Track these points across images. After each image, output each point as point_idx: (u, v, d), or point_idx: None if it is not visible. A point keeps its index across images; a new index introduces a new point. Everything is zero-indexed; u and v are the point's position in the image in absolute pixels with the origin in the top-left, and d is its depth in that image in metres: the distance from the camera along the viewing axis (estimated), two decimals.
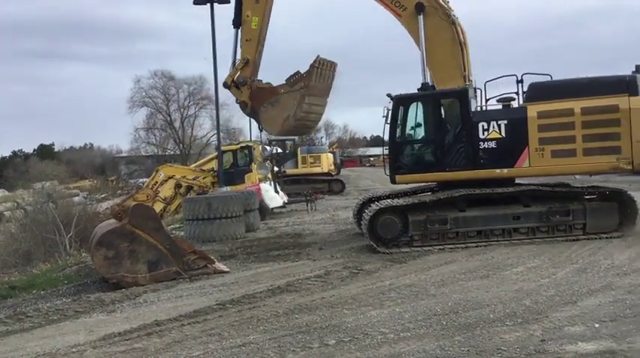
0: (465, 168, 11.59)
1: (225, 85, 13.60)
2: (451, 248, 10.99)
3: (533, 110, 11.25)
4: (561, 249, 10.29)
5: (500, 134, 11.40)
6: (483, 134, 11.47)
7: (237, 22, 13.48)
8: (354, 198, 25.41)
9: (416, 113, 12.30)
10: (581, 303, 6.88)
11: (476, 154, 11.52)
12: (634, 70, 11.27)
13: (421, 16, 12.22)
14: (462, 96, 11.75)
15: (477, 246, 10.96)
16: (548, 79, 11.60)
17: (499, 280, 8.35)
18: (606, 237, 11.02)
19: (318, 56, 12.82)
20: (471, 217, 11.28)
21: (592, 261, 9.21)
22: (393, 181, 12.18)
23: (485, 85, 12.19)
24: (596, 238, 10.99)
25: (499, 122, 11.43)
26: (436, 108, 12.12)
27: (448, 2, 12.49)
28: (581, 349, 5.38)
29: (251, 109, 13.39)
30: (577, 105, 11.04)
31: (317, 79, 12.83)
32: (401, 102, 12.05)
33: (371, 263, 10.17)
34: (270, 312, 7.30)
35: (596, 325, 6.02)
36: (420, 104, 12.27)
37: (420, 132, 12.45)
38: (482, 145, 11.49)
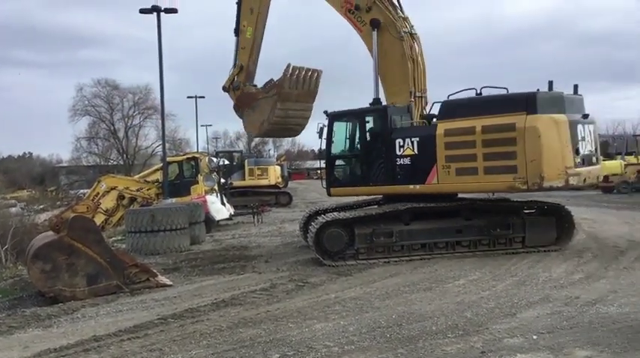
0: (385, 183, 12.00)
1: (224, 89, 14.93)
2: (396, 261, 11.09)
3: (441, 128, 11.41)
4: (502, 262, 10.54)
5: (413, 151, 11.69)
6: (399, 151, 11.81)
7: (236, 31, 14.67)
8: (302, 211, 25.39)
9: (346, 129, 12.87)
10: (520, 315, 7.05)
11: (393, 170, 11.88)
12: (568, 88, 11.54)
13: (375, 32, 12.48)
14: (381, 113, 12.27)
15: (421, 259, 11.11)
16: (504, 91, 11.62)
17: (442, 292, 8.48)
18: (544, 251, 11.35)
19: (289, 64, 13.72)
20: (416, 230, 11.43)
21: (531, 274, 9.47)
22: (329, 194, 12.79)
23: (448, 98, 12.07)
24: (534, 251, 11.31)
25: (413, 139, 11.73)
26: (362, 125, 12.54)
27: (406, 18, 12.70)
28: None
29: (240, 112, 14.72)
30: (478, 123, 10.97)
31: (291, 85, 13.76)
32: (334, 119, 12.68)
33: (317, 276, 10.16)
34: (214, 327, 7.18)
35: (534, 337, 6.17)
36: (349, 120, 12.84)
37: (350, 148, 12.87)
38: (398, 161, 11.84)
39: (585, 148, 11.09)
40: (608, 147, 45.34)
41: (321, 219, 11.57)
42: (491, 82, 12.66)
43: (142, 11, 23.70)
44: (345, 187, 12.73)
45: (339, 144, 12.89)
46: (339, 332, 6.66)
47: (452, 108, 11.57)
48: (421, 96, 12.57)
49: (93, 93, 62.20)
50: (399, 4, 12.87)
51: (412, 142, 11.62)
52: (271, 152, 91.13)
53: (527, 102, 10.77)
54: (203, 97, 54.04)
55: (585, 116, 11.20)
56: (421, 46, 12.77)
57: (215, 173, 22.40)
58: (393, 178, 11.86)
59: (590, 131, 11.31)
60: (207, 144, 77.01)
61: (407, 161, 11.70)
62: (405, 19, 12.68)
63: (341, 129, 12.83)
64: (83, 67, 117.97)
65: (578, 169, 10.78)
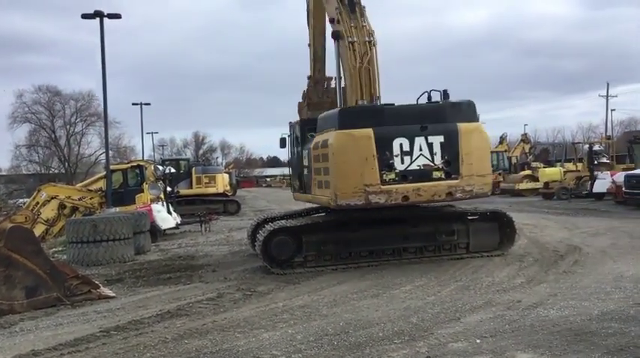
0: (306, 192, 12.50)
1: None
2: (344, 268, 11.13)
3: (313, 141, 11.74)
4: (446, 268, 10.72)
5: (307, 162, 12.21)
6: (304, 161, 12.42)
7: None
8: (250, 219, 25.21)
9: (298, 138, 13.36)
10: (464, 320, 7.18)
11: (302, 180, 12.72)
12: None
13: (336, 43, 12.62)
14: (299, 125, 13.16)
15: (369, 266, 11.17)
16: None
17: (389, 299, 8.55)
18: (488, 256, 11.62)
19: (308, 76, 15.20)
20: (363, 237, 11.49)
21: (474, 279, 9.67)
22: (294, 198, 13.92)
23: (417, 101, 11.95)
24: (478, 256, 11.56)
25: (304, 151, 12.36)
26: (302, 135, 13.02)
27: (364, 26, 12.48)
28: None
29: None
30: (322, 137, 11.11)
31: (320, 95, 14.97)
32: (292, 129, 13.48)
33: (264, 284, 10.10)
34: (158, 338, 7.02)
35: (478, 341, 6.29)
36: (293, 132, 13.59)
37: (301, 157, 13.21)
38: (304, 171, 12.53)
39: (412, 163, 10.56)
40: (549, 155, 47.01)
41: (268, 227, 11.51)
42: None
43: (84, 16, 23.18)
44: (300, 193, 13.40)
45: (294, 153, 13.66)
46: (286, 341, 6.63)
47: (321, 122, 11.88)
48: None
49: (33, 100, 60.41)
50: (361, 12, 12.75)
51: (308, 154, 12.11)
52: (219, 160, 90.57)
53: (338, 118, 10.79)
54: (149, 104, 53.21)
55: (423, 128, 10.55)
56: (375, 54, 12.57)
57: (161, 181, 22.02)
58: (305, 188, 12.60)
59: (429, 144, 10.57)
60: (153, 151, 75.81)
61: (306, 171, 12.44)
62: (363, 27, 12.66)
63: (295, 138, 13.56)
64: (23, 72, 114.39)
65: (386, 187, 10.38)
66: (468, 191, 10.52)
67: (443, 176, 10.58)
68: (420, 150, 10.54)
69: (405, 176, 10.50)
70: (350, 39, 12.33)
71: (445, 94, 11.26)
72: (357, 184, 10.30)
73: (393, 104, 11.12)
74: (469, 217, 12.21)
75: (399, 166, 10.50)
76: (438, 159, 10.55)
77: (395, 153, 10.47)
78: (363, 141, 10.35)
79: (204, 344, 6.67)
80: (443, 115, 10.84)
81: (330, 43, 13.71)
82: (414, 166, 10.52)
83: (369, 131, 10.39)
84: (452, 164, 10.54)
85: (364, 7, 12.66)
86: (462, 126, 10.58)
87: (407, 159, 10.49)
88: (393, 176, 10.46)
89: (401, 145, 10.49)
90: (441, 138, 10.54)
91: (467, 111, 10.89)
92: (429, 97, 11.06)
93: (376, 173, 10.34)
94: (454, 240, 11.79)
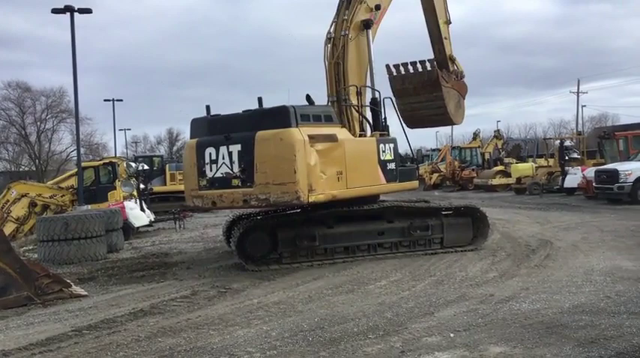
0: None
1: None
2: (319, 264, 11.13)
3: None
4: (421, 263, 10.80)
5: None
6: None
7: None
8: (225, 216, 25.10)
9: None
10: (438, 314, 7.24)
11: None
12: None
13: (365, 32, 12.77)
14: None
15: (344, 262, 11.20)
16: None
17: (363, 294, 8.58)
18: (461, 250, 11.73)
19: (387, 65, 14.51)
20: (339, 233, 11.51)
21: (448, 274, 9.75)
22: None
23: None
24: (452, 251, 11.67)
25: None
26: None
27: (344, 21, 12.52)
28: None
29: None
30: None
31: (405, 81, 14.47)
32: None
33: (239, 281, 10.04)
34: (132, 337, 6.94)
35: (452, 335, 6.35)
36: None
37: None
38: None
39: (217, 171, 10.97)
40: (521, 151, 47.60)
41: (244, 224, 11.45)
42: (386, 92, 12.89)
43: (55, 11, 22.80)
44: None
45: None
46: (261, 338, 6.60)
47: None
48: (334, 101, 12.48)
49: (3, 96, 59.03)
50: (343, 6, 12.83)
51: None
52: None
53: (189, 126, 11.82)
54: (121, 100, 52.70)
55: (227, 137, 10.81)
56: (346, 50, 12.52)
57: (134, 178, 21.76)
58: None
59: (231, 152, 10.83)
60: (126, 148, 75.06)
61: None
62: (343, 22, 12.59)
63: None
64: None
65: (201, 192, 11.20)
66: (262, 199, 10.45)
67: (240, 184, 10.76)
68: (223, 158, 10.93)
69: (212, 183, 11.11)
70: (329, 34, 12.41)
71: (309, 99, 11.30)
72: (188, 188, 11.63)
73: (219, 114, 11.47)
74: (443, 213, 12.32)
75: (209, 174, 11.13)
76: (236, 168, 10.78)
77: (206, 162, 11.12)
78: (189, 150, 11.59)
79: (178, 343, 6.61)
80: (249, 124, 10.79)
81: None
82: (218, 174, 11.01)
83: (194, 141, 11.44)
84: (247, 172, 10.61)
85: None
86: (259, 134, 10.45)
87: (214, 167, 11.05)
88: (205, 182, 11.22)
89: (210, 154, 11.07)
90: (238, 147, 10.72)
91: (278, 118, 10.55)
92: (260, 103, 10.96)
93: (195, 179, 11.33)
94: (429, 235, 11.88)
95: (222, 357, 6.01)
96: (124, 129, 67.16)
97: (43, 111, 61.00)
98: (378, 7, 13.01)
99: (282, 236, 11.24)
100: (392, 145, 12.20)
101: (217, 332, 6.96)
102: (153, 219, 20.97)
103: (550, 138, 39.96)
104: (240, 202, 10.78)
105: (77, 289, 9.85)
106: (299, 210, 12.44)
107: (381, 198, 12.70)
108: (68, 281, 10.00)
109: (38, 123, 61.01)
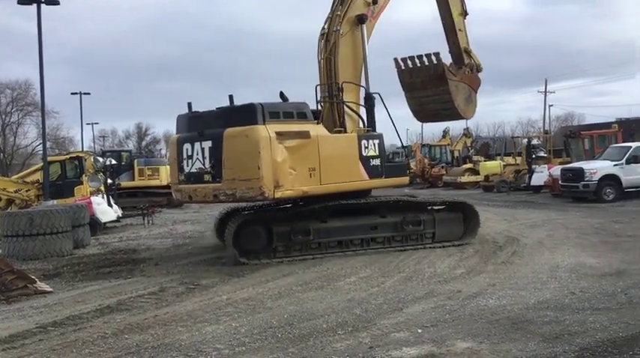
0: None
1: None
2: (312, 258, 11.19)
3: None
4: (390, 259, 10.87)
5: None
6: None
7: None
8: (195, 212, 25.00)
9: None
10: (407, 310, 7.30)
11: None
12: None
13: (360, 27, 12.75)
14: None
15: (335, 256, 11.31)
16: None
17: (333, 290, 8.60)
18: (452, 245, 11.93)
19: (395, 58, 14.56)
20: (333, 228, 11.59)
21: (417, 270, 9.83)
22: None
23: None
24: (440, 247, 11.86)
25: None
26: None
27: (335, 17, 12.56)
28: (405, 354, 5.69)
29: None
30: None
31: (413, 75, 14.49)
32: None
33: (208, 277, 9.98)
34: (98, 334, 6.85)
35: (419, 330, 6.40)
36: None
37: None
38: None
39: (192, 166, 11.24)
40: (489, 149, 48.23)
41: (239, 217, 11.44)
42: (377, 87, 12.83)
43: (21, 2, 22.24)
44: None
45: None
46: (230, 334, 6.57)
47: None
48: (325, 97, 12.46)
49: None
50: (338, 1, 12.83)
51: None
52: (163, 151, 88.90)
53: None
54: (89, 94, 51.77)
55: (200, 134, 11.06)
56: (336, 45, 12.42)
57: (101, 173, 21.42)
58: None
59: (203, 148, 11.05)
60: (94, 143, 73.88)
61: None
62: (336, 17, 12.55)
63: None
64: None
65: (180, 186, 11.66)
66: (230, 194, 10.69)
67: (210, 179, 10.99)
68: (197, 154, 11.18)
69: (189, 177, 11.42)
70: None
71: (282, 96, 11.34)
72: (172, 182, 12.22)
73: (197, 111, 11.67)
74: (435, 208, 12.53)
75: (186, 169, 11.43)
76: (208, 163, 11.01)
77: (184, 157, 11.41)
78: (171, 145, 12.18)
79: (145, 339, 6.54)
80: (220, 121, 11.00)
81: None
82: (193, 169, 11.29)
83: (175, 137, 11.85)
84: (216, 168, 10.84)
85: None
86: (227, 131, 10.64)
87: (190, 162, 11.33)
88: (183, 177, 11.55)
89: (187, 150, 11.35)
90: (209, 144, 10.95)
91: (246, 115, 10.71)
92: (231, 101, 11.06)
93: (176, 174, 11.78)
94: (420, 230, 12.06)
95: (190, 354, 5.96)
96: (92, 123, 66.03)
97: (8, 104, 59.88)
98: (375, 2, 12.95)
99: (277, 230, 11.26)
100: (376, 141, 12.15)
101: (185, 328, 6.91)
102: (120, 215, 20.68)
103: (518, 137, 40.67)
104: (211, 197, 10.98)
105: (42, 285, 9.66)
106: (290, 205, 12.40)
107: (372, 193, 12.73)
108: (33, 277, 9.80)
109: (3, 116, 59.89)
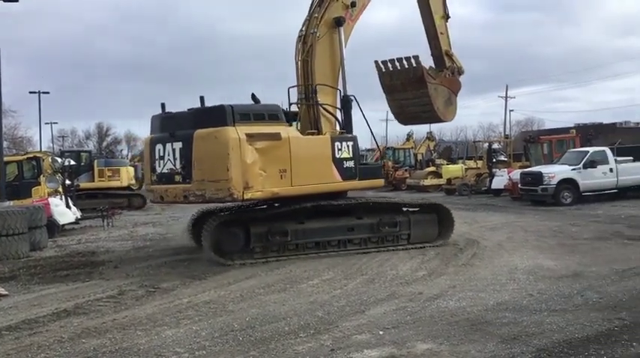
0: None
1: None
2: (293, 258, 11.22)
3: None
4: (354, 261, 10.91)
5: None
6: None
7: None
8: (157, 214, 24.66)
9: None
10: (369, 312, 7.33)
11: None
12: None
13: (338, 29, 12.77)
14: None
15: (313, 257, 11.36)
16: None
17: (296, 293, 8.58)
18: (428, 246, 12.13)
19: (375, 61, 14.73)
20: (310, 229, 11.62)
21: (380, 272, 9.89)
22: None
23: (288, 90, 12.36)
24: (412, 248, 12.04)
25: None
26: None
27: (311, 19, 12.59)
28: (366, 356, 5.71)
29: None
30: None
31: (393, 77, 14.61)
32: None
33: (169, 280, 9.84)
34: (54, 338, 6.69)
35: (381, 332, 6.43)
36: None
37: None
38: None
39: (164, 167, 11.30)
40: (452, 152, 48.90)
41: (217, 219, 11.37)
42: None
43: None
44: None
45: None
46: (190, 338, 6.49)
47: None
48: (302, 99, 12.54)
49: None
50: (316, 3, 12.84)
51: None
52: (124, 152, 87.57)
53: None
54: (48, 93, 50.77)
55: (172, 135, 11.12)
56: (313, 48, 12.45)
57: (59, 174, 20.96)
58: None
59: (174, 149, 11.10)
60: (53, 143, 72.33)
61: None
62: (313, 19, 12.56)
63: None
64: None
65: (152, 186, 11.78)
66: (199, 195, 10.77)
67: (181, 180, 11.04)
68: (168, 155, 11.21)
69: (160, 178, 11.47)
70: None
71: (254, 98, 11.42)
72: (146, 182, 12.29)
73: (170, 112, 11.68)
74: (410, 209, 12.65)
75: (158, 169, 11.45)
76: (178, 164, 11.07)
77: (156, 158, 11.44)
78: (145, 146, 12.21)
79: (102, 343, 6.41)
80: (191, 122, 11.04)
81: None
82: (165, 170, 11.32)
83: (149, 137, 11.81)
84: (186, 169, 10.89)
85: None
86: (197, 132, 10.71)
87: (162, 163, 11.36)
88: (155, 177, 11.61)
89: (159, 150, 11.38)
90: (180, 145, 11.01)
91: (215, 116, 10.76)
92: (202, 102, 11.12)
93: (148, 173, 11.85)
94: (396, 232, 12.18)
95: None
96: (51, 123, 64.82)
97: None
98: (353, 4, 12.96)
99: (254, 231, 11.22)
100: (350, 143, 12.19)
101: (144, 332, 6.80)
102: (79, 217, 20.23)
103: (479, 141, 41.26)
104: (181, 198, 11.02)
105: None
106: (265, 206, 12.34)
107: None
108: None
109: None
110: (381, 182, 13.56)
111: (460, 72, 15.32)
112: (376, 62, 14.72)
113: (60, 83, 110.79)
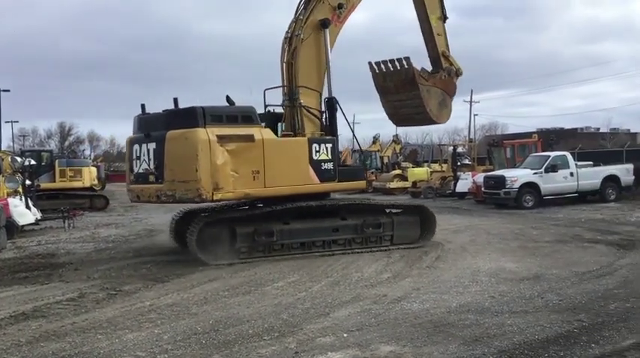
0: None
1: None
2: (278, 259, 11.22)
3: None
4: (318, 264, 10.91)
5: None
6: None
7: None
8: (119, 215, 24.29)
9: None
10: (333, 315, 7.34)
11: None
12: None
13: (324, 31, 12.75)
14: None
15: (299, 258, 11.41)
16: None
17: (260, 295, 8.54)
18: (411, 247, 12.29)
19: (369, 62, 14.74)
20: (296, 230, 11.66)
21: (344, 275, 9.91)
22: None
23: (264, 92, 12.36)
24: (396, 248, 12.20)
25: None
26: None
27: (296, 20, 12.57)
28: None
29: None
30: None
31: (387, 78, 14.63)
32: None
33: (131, 283, 9.68)
34: (11, 341, 6.52)
35: (345, 335, 6.44)
36: None
37: None
38: None
39: (140, 167, 11.48)
40: (417, 155, 49.35)
41: (203, 219, 11.27)
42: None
43: None
44: None
45: None
46: (152, 342, 6.40)
47: None
48: (285, 101, 12.49)
49: None
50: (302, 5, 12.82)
51: None
52: (87, 152, 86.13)
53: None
54: (8, 91, 49.48)
55: (147, 135, 11.31)
56: (297, 50, 12.41)
57: (19, 174, 20.46)
58: None
59: (149, 150, 11.26)
60: (13, 142, 70.64)
61: None
62: (299, 21, 12.53)
63: None
64: None
65: (131, 186, 11.95)
66: (170, 195, 10.92)
67: (154, 180, 11.21)
68: (144, 155, 11.39)
69: (137, 178, 11.64)
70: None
71: (228, 100, 11.42)
72: (126, 181, 12.34)
73: (148, 113, 11.79)
74: (393, 211, 12.84)
75: (135, 169, 11.63)
76: (152, 165, 11.24)
77: (134, 158, 11.62)
78: (126, 146, 12.31)
79: (62, 347, 6.27)
80: (165, 123, 11.16)
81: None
82: (141, 170, 11.50)
83: (129, 138, 11.99)
84: (159, 169, 11.05)
85: None
86: (169, 133, 10.85)
87: (138, 163, 11.53)
88: (132, 177, 11.78)
89: (136, 151, 11.56)
90: (154, 145, 11.16)
91: (187, 118, 10.85)
92: (176, 103, 11.18)
93: (128, 173, 12.01)
94: (380, 233, 12.31)
95: None
96: (11, 122, 63.27)
97: None
98: (341, 6, 12.92)
99: (240, 231, 11.17)
100: (330, 145, 12.19)
101: (105, 336, 6.67)
102: (39, 217, 19.77)
103: (444, 145, 41.71)
104: (154, 198, 11.14)
105: None
106: (248, 206, 12.37)
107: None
108: None
109: None
110: (362, 184, 13.72)
111: (458, 73, 15.35)
112: (370, 63, 14.79)
113: (21, 81, 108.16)
